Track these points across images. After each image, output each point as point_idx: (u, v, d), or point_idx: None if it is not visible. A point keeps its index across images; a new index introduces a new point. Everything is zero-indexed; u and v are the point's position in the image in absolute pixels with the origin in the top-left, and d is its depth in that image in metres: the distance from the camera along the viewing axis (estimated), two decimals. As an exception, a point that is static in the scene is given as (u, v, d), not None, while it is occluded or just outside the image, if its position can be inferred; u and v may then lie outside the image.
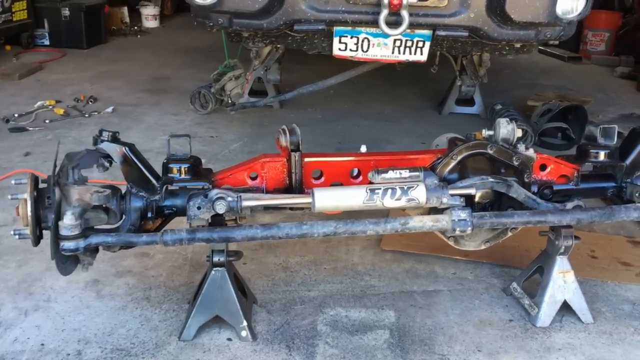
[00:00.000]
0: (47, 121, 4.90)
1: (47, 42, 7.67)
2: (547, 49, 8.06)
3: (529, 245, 3.02)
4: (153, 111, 5.32)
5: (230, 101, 5.20)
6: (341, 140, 4.72)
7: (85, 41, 7.69)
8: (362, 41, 3.31)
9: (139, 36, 8.98)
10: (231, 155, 4.31)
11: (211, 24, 3.36)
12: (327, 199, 2.18)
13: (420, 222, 2.19)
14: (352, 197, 2.18)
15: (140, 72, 6.68)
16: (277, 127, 2.51)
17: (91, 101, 5.45)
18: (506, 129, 2.42)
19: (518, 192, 2.36)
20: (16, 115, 4.97)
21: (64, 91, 5.77)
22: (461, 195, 2.25)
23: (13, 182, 2.18)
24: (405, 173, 2.23)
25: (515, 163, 2.41)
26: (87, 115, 5.10)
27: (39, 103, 5.27)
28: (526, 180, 2.43)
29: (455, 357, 2.35)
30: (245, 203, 2.19)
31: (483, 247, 2.52)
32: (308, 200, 2.19)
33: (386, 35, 3.18)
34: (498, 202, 2.44)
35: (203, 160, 2.51)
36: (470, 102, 5.50)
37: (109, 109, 5.26)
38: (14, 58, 7.04)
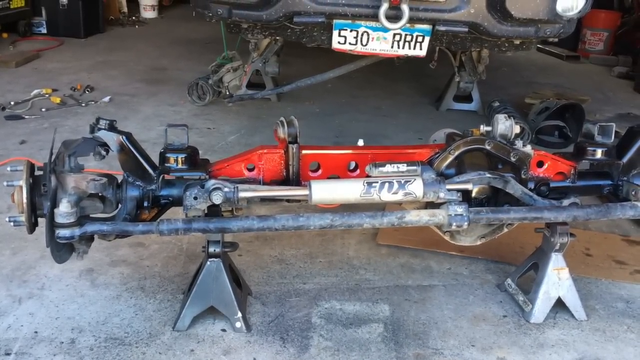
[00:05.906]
0: (43, 110, 4.88)
1: (44, 31, 7.64)
2: (545, 47, 8.08)
3: (523, 242, 3.02)
4: (150, 102, 5.31)
5: (227, 93, 5.19)
6: (338, 134, 4.72)
7: (83, 30, 7.66)
8: (362, 35, 3.31)
9: (137, 26, 8.96)
10: (228, 147, 4.30)
11: (210, 14, 3.36)
12: (324, 191, 2.17)
13: (417, 216, 2.20)
14: (349, 190, 2.18)
15: (138, 62, 6.65)
16: (274, 119, 2.50)
17: (88, 90, 5.43)
18: (504, 125, 2.41)
19: (515, 188, 2.36)
20: (12, 103, 4.96)
21: (61, 80, 5.74)
22: (458, 190, 2.25)
23: (9, 169, 2.17)
24: (403, 167, 2.22)
25: (513, 159, 2.41)
26: (83, 105, 5.09)
27: (35, 91, 5.25)
28: (523, 176, 2.43)
29: (449, 352, 2.36)
30: (242, 194, 2.18)
31: (479, 242, 2.52)
32: (305, 192, 2.19)
33: (386, 29, 3.18)
34: (495, 198, 2.44)
35: (200, 152, 2.50)
36: (468, 98, 5.50)
37: (106, 99, 5.24)
38: (10, 46, 7.01)
